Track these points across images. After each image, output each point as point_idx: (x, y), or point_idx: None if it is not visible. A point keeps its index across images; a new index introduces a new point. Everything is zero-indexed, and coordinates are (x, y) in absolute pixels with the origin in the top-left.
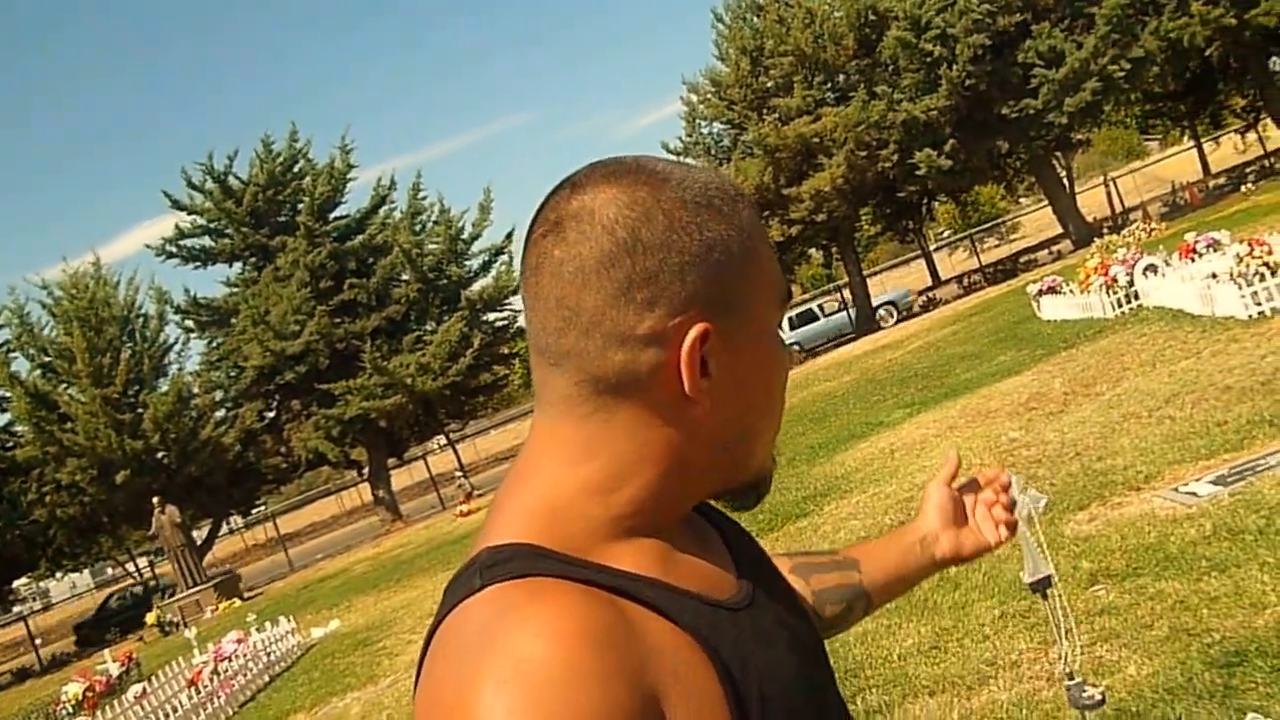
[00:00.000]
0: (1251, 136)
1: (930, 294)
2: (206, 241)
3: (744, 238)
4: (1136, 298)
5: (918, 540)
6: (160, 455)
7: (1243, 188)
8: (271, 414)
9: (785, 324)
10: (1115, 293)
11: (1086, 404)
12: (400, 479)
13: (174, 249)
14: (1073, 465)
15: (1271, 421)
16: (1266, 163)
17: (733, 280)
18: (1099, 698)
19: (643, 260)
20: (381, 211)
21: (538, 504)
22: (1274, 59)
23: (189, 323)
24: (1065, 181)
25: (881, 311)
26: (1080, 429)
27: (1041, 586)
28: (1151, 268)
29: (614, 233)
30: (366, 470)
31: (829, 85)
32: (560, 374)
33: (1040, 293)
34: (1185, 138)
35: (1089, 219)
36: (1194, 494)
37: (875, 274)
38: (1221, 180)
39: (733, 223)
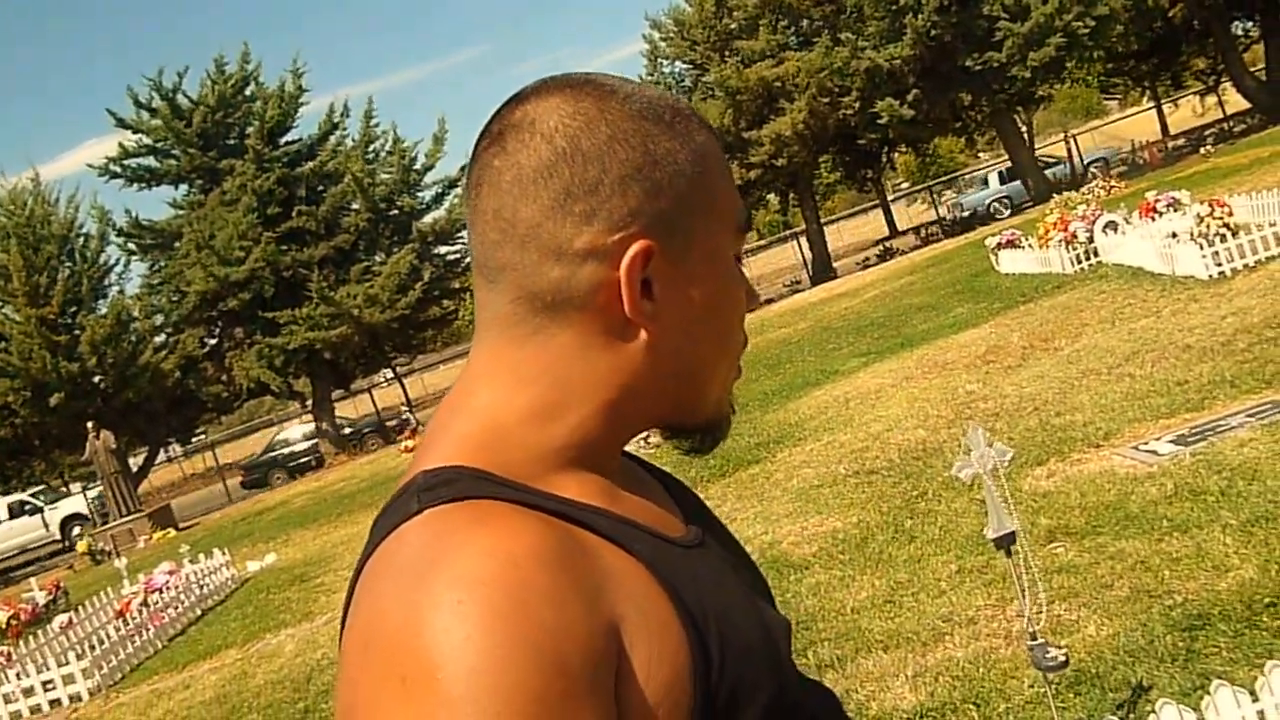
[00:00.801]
0: (1211, 100)
1: (887, 244)
2: (152, 162)
3: (696, 157)
4: (1096, 254)
5: None
6: (97, 379)
7: (1201, 149)
8: (213, 341)
9: (995, 177)
10: (1075, 249)
11: (1045, 359)
12: (344, 412)
13: (118, 169)
14: (1031, 420)
15: (1233, 382)
16: (1225, 126)
17: (681, 199)
18: (1062, 659)
19: (582, 170)
20: (333, 139)
21: (476, 428)
22: (1236, 23)
23: (131, 245)
24: (1025, 137)
25: (1094, 169)
26: (1038, 384)
27: (1005, 543)
28: (1112, 225)
29: (553, 141)
30: (310, 402)
31: (793, 29)
32: (497, 291)
33: (999, 246)
34: (1145, 98)
35: (1049, 175)
36: (1154, 452)
37: (832, 222)
38: (1180, 141)
39: (684, 140)
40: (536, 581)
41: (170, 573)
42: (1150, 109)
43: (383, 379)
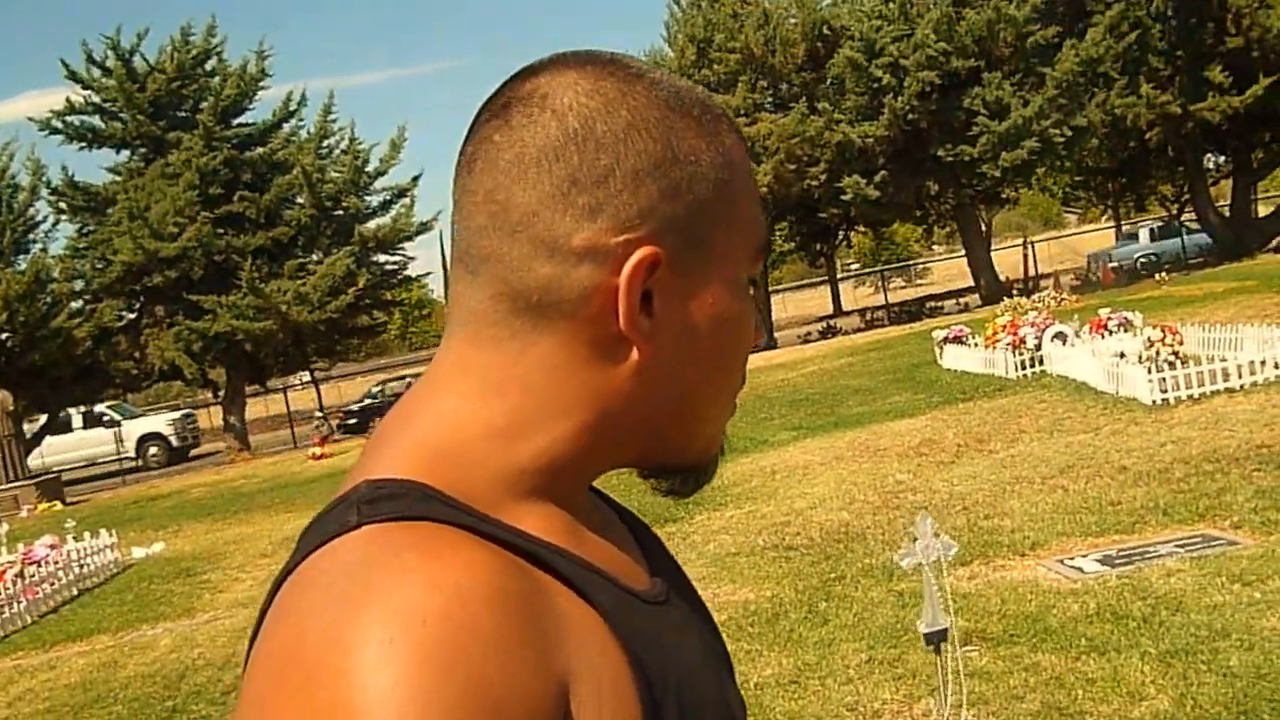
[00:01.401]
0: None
1: (830, 322)
2: (97, 122)
3: (722, 161)
4: (1041, 363)
5: None
6: (4, 336)
7: (1157, 275)
8: (132, 315)
9: (1146, 233)
10: (1021, 354)
11: (979, 459)
12: (255, 409)
13: (60, 124)
14: (959, 519)
15: (1165, 510)
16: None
17: (700, 205)
18: None
19: (593, 157)
20: (287, 127)
21: (433, 439)
22: (1209, 155)
23: (62, 204)
24: (984, 235)
25: None
26: (970, 483)
27: (936, 639)
28: (1061, 336)
29: (564, 120)
30: (222, 393)
31: (771, 91)
32: (477, 284)
33: (945, 340)
34: (1105, 217)
35: (1001, 277)
36: (1080, 569)
37: (778, 292)
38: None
39: (711, 140)
40: (483, 625)
41: (52, 547)
42: (1109, 228)
43: (298, 381)
